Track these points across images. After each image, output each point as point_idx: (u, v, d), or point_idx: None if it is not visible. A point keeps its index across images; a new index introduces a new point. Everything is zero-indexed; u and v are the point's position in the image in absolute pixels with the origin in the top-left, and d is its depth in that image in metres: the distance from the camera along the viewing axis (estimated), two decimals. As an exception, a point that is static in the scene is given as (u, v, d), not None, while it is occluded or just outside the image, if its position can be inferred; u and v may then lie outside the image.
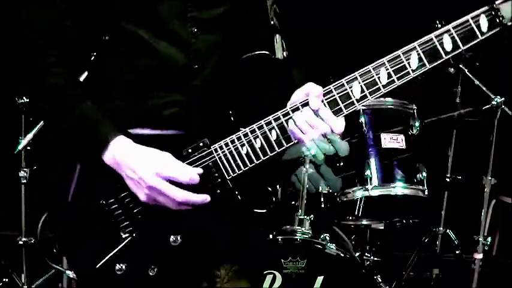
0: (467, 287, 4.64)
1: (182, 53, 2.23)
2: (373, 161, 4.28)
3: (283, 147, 2.20)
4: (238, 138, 2.21)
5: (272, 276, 3.77)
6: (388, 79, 2.16)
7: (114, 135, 2.17)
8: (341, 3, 5.63)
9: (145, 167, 2.13)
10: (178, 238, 2.18)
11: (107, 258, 2.18)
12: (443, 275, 5.14)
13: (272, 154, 2.20)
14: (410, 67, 2.16)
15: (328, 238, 3.99)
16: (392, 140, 4.32)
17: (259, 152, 2.20)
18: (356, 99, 2.16)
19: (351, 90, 2.16)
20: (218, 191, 2.21)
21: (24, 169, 4.59)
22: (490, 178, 4.66)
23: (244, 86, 2.27)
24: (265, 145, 2.20)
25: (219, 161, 2.21)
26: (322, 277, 3.79)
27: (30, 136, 4.34)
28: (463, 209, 5.32)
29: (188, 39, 2.22)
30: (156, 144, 2.19)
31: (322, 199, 4.39)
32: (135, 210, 2.20)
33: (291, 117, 2.17)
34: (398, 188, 4.30)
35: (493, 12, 2.15)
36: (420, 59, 2.16)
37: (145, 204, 2.18)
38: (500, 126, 4.60)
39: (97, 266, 2.18)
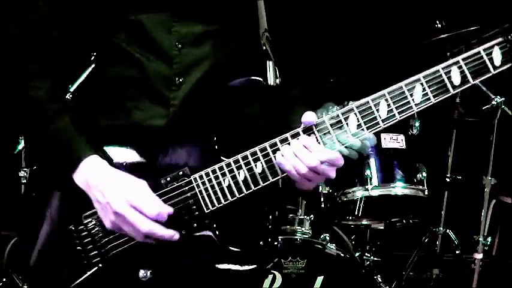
0: (467, 287, 4.64)
1: (166, 65, 2.16)
2: (373, 161, 4.28)
3: (268, 182, 2.05)
4: (220, 169, 2.07)
5: (272, 276, 3.77)
6: (388, 114, 2.00)
7: (87, 154, 2.08)
8: (341, 4, 5.63)
9: (114, 191, 2.03)
10: (148, 274, 2.07)
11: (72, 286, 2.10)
12: (443, 275, 5.14)
13: (255, 188, 2.05)
14: (413, 101, 1.99)
15: (328, 238, 4.00)
16: (392, 140, 4.32)
17: (242, 186, 2.06)
18: (352, 134, 2.02)
19: (347, 124, 2.02)
20: (195, 224, 2.08)
21: (24, 169, 4.59)
22: (490, 178, 4.66)
23: (233, 111, 2.15)
24: (248, 178, 2.05)
25: (198, 193, 2.08)
26: (322, 277, 3.80)
27: (30, 136, 4.33)
28: (463, 209, 5.32)
29: (171, 52, 2.16)
30: (136, 161, 2.11)
31: (322, 199, 4.39)
32: (104, 240, 2.10)
33: (278, 149, 2.04)
34: (398, 188, 4.31)
35: (508, 45, 1.95)
36: (425, 93, 1.99)
37: (113, 232, 2.08)
38: (500, 126, 4.60)
39: None
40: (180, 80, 2.16)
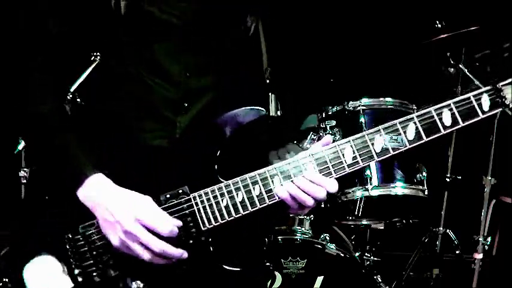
0: (467, 287, 4.64)
1: (174, 90, 2.21)
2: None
3: (265, 204, 2.12)
4: (219, 189, 2.13)
5: (272, 276, 3.78)
6: (381, 149, 2.14)
7: (91, 173, 2.09)
8: (341, 4, 5.63)
9: (124, 210, 2.05)
10: (141, 286, 2.10)
11: None
12: (443, 275, 5.15)
13: (252, 210, 2.12)
14: (406, 138, 2.14)
15: (328, 238, 4.00)
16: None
17: (239, 206, 2.12)
18: (347, 165, 2.13)
19: (343, 154, 2.12)
20: (191, 241, 2.12)
21: (24, 169, 4.58)
22: (490, 178, 4.66)
23: (235, 136, 2.20)
24: (246, 200, 2.12)
25: (196, 211, 2.13)
26: (322, 277, 3.80)
27: (30, 136, 4.33)
28: (463, 209, 5.32)
29: (180, 79, 2.21)
30: (138, 178, 2.13)
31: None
32: (100, 250, 2.11)
33: (276, 175, 2.11)
34: (398, 188, 4.30)
35: (496, 93, 2.10)
36: (417, 132, 2.13)
37: (115, 248, 2.09)
38: (500, 126, 4.60)
39: None
40: (187, 105, 2.22)
